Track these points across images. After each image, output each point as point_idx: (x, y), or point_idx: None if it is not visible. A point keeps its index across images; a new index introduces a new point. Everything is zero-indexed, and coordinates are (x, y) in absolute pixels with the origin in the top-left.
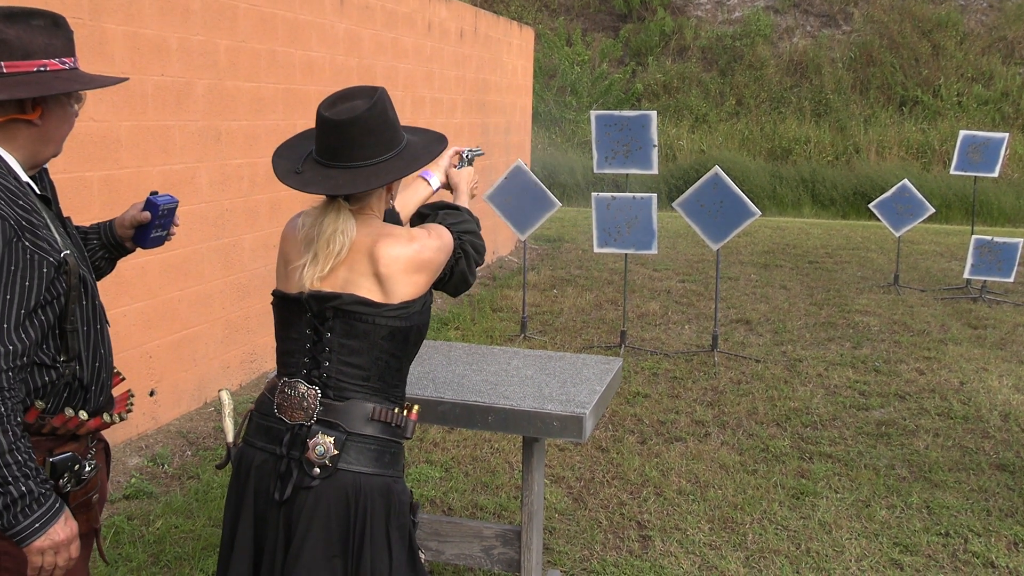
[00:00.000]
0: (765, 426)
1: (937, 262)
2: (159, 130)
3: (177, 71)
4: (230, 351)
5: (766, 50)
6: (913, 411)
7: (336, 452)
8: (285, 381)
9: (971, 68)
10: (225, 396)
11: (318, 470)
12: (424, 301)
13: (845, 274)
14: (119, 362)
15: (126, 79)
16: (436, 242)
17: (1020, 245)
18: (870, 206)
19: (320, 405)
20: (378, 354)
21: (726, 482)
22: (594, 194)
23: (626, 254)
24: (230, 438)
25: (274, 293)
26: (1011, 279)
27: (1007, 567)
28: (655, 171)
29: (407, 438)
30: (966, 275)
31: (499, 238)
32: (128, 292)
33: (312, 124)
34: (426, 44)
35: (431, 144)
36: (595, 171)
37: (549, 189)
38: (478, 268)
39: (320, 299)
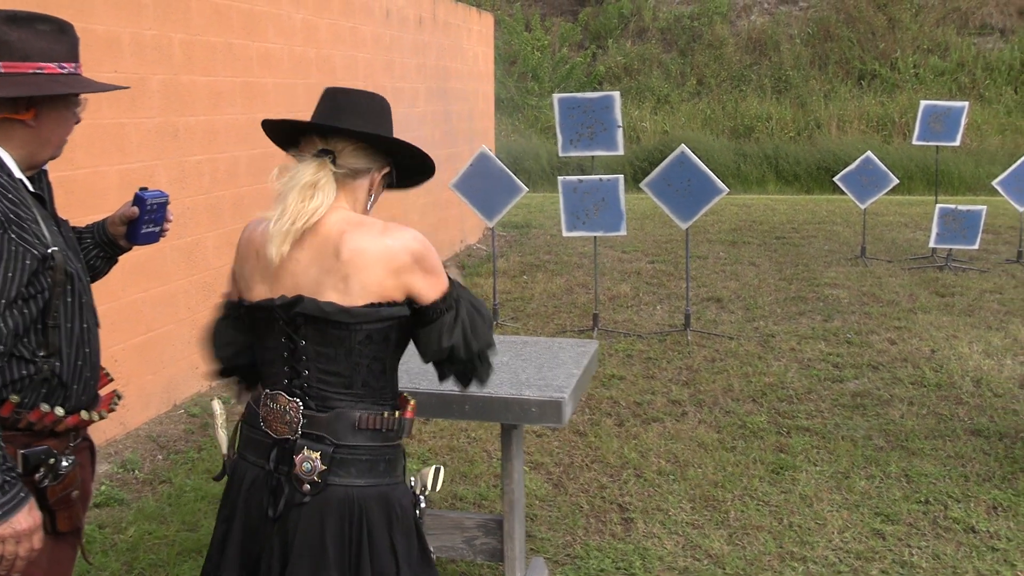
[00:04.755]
0: (741, 402)
1: (902, 232)
2: (114, 128)
3: (130, 67)
4: (198, 352)
5: (724, 29)
6: (887, 381)
7: (324, 468)
8: (267, 393)
9: (927, 40)
10: (217, 406)
11: (308, 487)
12: (403, 303)
13: (812, 248)
14: None
15: (126, 87)
16: (418, 246)
17: (983, 212)
18: (835, 179)
19: (303, 418)
20: (357, 359)
21: (705, 460)
22: (560, 178)
23: (595, 237)
24: (224, 449)
25: (243, 304)
26: (975, 246)
27: (987, 531)
28: (620, 152)
29: (401, 440)
30: (931, 244)
31: (467, 226)
32: None
33: (273, 116)
34: (385, 32)
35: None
36: (560, 154)
37: (517, 175)
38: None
39: (287, 306)
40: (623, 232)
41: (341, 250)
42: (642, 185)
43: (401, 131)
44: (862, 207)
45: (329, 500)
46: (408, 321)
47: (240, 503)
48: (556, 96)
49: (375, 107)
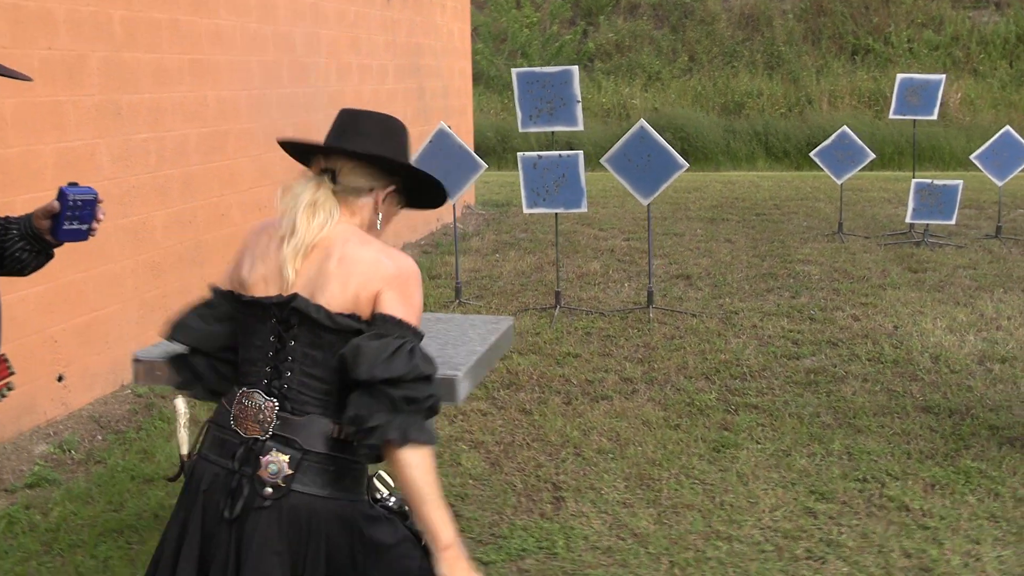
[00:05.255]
0: (694, 380)
1: (884, 208)
2: (50, 106)
3: (66, 44)
4: (147, 332)
5: (716, 4)
6: (844, 357)
7: (290, 472)
8: (244, 391)
9: (921, 14)
10: (181, 405)
11: (270, 490)
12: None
13: (791, 224)
14: (20, 348)
15: (27, 79)
16: (408, 273)
17: (959, 187)
18: (811, 154)
19: (277, 419)
20: (339, 367)
21: (647, 439)
22: (520, 154)
23: (556, 213)
24: (184, 450)
25: (238, 299)
26: (952, 221)
27: (920, 509)
28: (580, 127)
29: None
30: (908, 219)
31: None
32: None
33: (225, 94)
34: (350, 9)
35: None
36: (520, 130)
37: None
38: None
39: (282, 304)
40: (584, 209)
41: (336, 256)
42: (603, 161)
43: (372, 108)
44: (838, 182)
45: (290, 507)
46: None
47: (197, 504)
48: (515, 71)
49: (383, 128)
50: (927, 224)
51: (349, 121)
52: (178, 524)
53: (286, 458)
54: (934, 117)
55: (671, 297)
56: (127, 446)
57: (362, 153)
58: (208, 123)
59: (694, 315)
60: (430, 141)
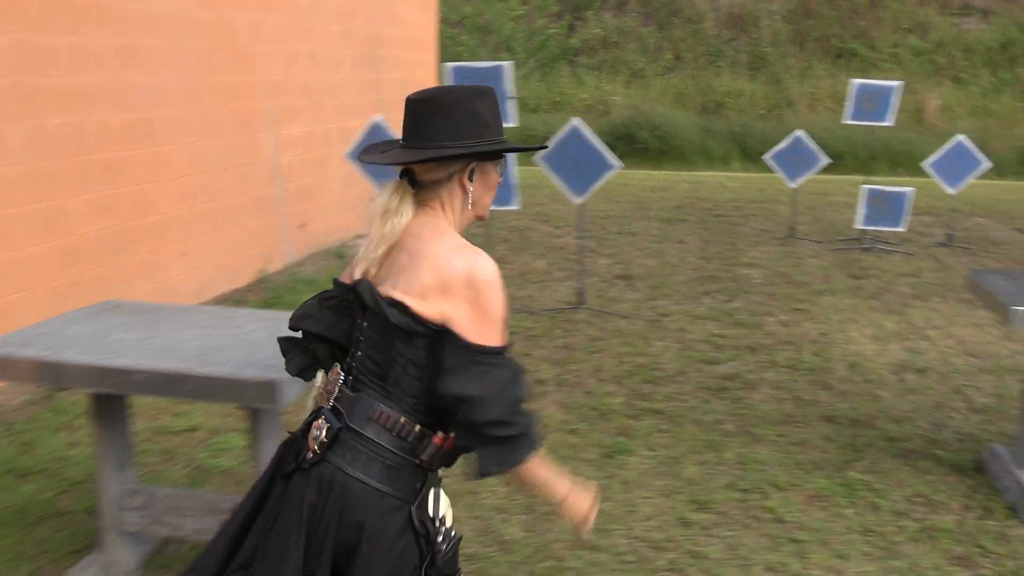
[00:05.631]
0: (605, 383)
1: (844, 213)
2: None
3: None
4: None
5: (704, 3)
6: (762, 364)
7: (325, 441)
8: (335, 365)
9: (907, 19)
10: (320, 377)
11: (310, 455)
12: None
13: (747, 227)
14: None
15: None
16: (481, 276)
17: (908, 194)
18: (764, 157)
19: (339, 391)
20: (394, 356)
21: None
22: None
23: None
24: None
25: (343, 286)
26: (902, 228)
27: (795, 522)
28: (514, 124)
29: (418, 460)
30: (857, 225)
31: None
32: None
33: (155, 79)
34: None
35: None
36: None
37: None
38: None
39: (353, 288)
40: (515, 207)
41: (408, 250)
42: (534, 159)
43: (323, 98)
44: (791, 186)
45: (320, 474)
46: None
47: (274, 461)
48: (449, 65)
49: (439, 112)
50: (878, 230)
51: (410, 114)
52: (263, 472)
53: (327, 427)
54: (889, 123)
55: (606, 298)
56: (13, 437)
57: (396, 163)
58: (135, 109)
59: (624, 317)
60: (365, 134)
